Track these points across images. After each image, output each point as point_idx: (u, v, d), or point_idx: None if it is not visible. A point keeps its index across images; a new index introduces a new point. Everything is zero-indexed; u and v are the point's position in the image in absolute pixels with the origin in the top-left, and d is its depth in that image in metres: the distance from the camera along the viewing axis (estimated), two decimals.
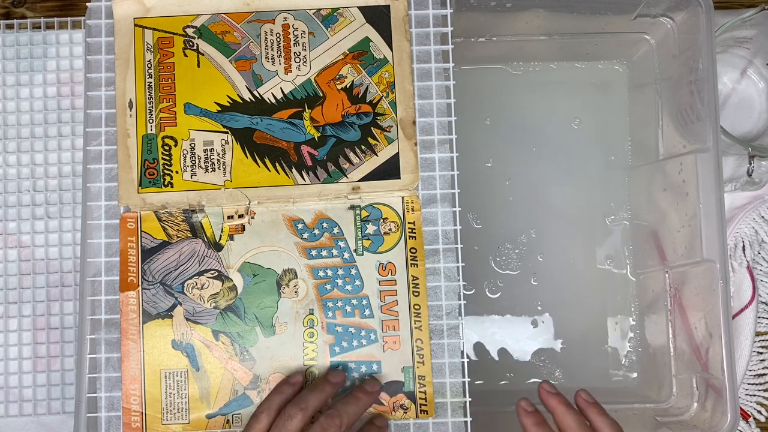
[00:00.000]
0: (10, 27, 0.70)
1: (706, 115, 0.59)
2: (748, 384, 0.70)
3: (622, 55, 0.73)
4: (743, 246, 0.70)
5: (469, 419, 0.55)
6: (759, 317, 0.70)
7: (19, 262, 0.68)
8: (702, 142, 0.60)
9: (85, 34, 0.58)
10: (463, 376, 0.55)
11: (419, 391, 0.55)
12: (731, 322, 0.58)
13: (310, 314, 0.55)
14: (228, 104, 0.56)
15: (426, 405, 0.54)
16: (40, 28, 0.70)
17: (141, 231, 0.56)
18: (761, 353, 0.70)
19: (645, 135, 0.70)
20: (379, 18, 0.57)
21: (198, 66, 0.57)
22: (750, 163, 0.66)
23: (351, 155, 0.56)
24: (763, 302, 0.71)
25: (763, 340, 0.70)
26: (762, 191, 0.70)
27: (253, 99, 0.57)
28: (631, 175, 0.72)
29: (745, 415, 0.69)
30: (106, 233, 0.56)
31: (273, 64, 0.57)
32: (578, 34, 0.69)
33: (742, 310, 0.70)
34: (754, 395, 0.70)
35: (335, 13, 0.58)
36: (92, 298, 0.55)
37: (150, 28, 0.57)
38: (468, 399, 0.55)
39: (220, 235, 0.56)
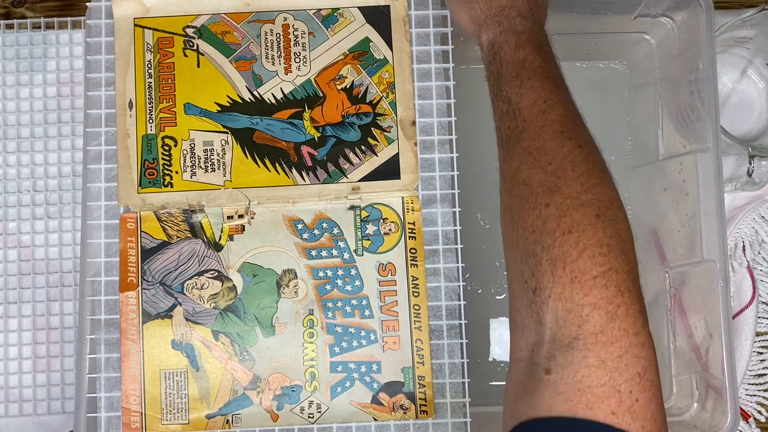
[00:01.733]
0: (10, 27, 0.70)
1: (706, 115, 0.59)
2: (748, 384, 0.70)
3: (622, 55, 0.73)
4: (743, 246, 0.70)
5: (469, 419, 0.54)
6: (759, 317, 0.70)
7: (19, 262, 0.68)
8: (702, 142, 0.60)
9: (85, 34, 0.58)
10: (463, 377, 0.55)
11: (419, 392, 0.55)
12: (731, 322, 0.58)
13: (309, 314, 0.55)
14: (228, 104, 0.56)
15: (426, 405, 0.54)
16: (40, 28, 0.70)
17: (141, 231, 0.56)
18: (761, 353, 0.70)
19: (645, 135, 0.70)
20: (379, 18, 0.57)
21: (198, 66, 0.57)
22: (750, 163, 0.66)
23: (351, 155, 0.56)
24: (763, 302, 0.70)
25: (763, 340, 0.70)
26: (762, 191, 0.70)
27: (253, 99, 0.56)
28: (631, 175, 0.72)
29: (745, 415, 0.69)
30: (106, 233, 0.56)
31: (273, 64, 0.57)
32: (578, 34, 0.69)
33: (742, 310, 0.69)
34: (754, 395, 0.70)
35: (335, 14, 0.57)
36: (92, 298, 0.55)
37: (150, 28, 0.57)
38: (468, 399, 0.55)
39: (220, 236, 0.56)
